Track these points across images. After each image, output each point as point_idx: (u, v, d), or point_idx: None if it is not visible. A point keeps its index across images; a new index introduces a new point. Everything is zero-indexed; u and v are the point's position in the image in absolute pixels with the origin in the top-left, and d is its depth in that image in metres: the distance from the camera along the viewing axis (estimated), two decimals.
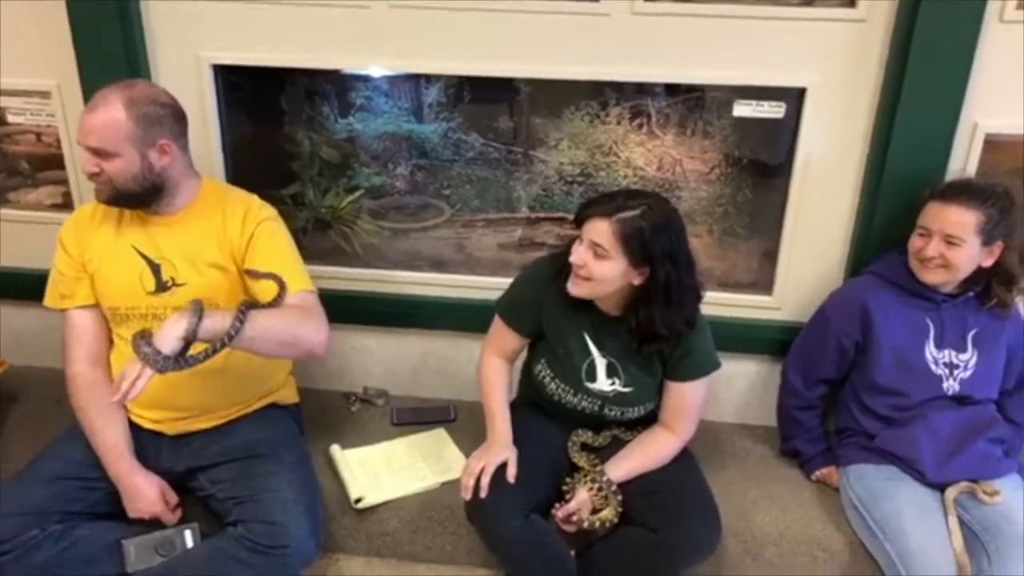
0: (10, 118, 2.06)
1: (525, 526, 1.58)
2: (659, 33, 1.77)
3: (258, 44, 1.89)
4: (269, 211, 1.74)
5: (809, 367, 1.84)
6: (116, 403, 1.38)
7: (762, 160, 1.96)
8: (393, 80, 2.04)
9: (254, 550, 1.53)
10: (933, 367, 1.70)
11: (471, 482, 1.60)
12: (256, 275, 1.62)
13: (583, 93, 1.97)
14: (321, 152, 2.14)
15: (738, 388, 2.08)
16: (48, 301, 1.72)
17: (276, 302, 1.57)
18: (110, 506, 1.67)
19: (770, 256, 1.98)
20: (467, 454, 1.86)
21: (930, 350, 1.71)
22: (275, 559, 1.54)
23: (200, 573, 1.56)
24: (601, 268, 1.53)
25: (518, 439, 1.76)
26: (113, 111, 1.52)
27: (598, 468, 1.68)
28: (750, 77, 1.79)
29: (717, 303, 1.97)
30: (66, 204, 2.09)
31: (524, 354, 1.84)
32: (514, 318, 1.75)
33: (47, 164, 2.14)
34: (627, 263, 1.52)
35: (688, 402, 1.69)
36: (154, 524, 1.68)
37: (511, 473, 1.61)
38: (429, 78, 2.01)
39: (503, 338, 1.77)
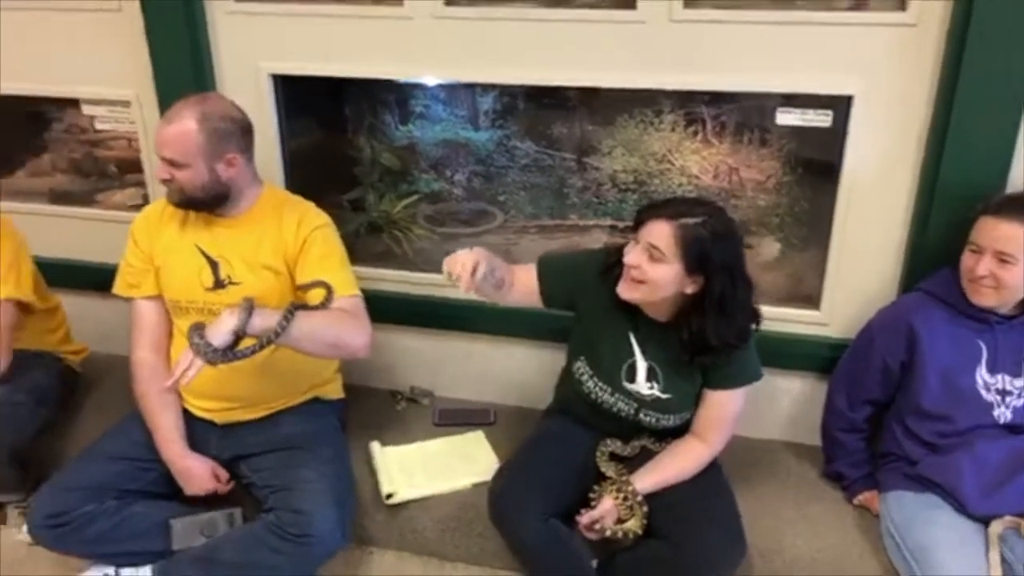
0: (98, 125, 2.25)
1: (544, 529, 1.58)
2: (698, 40, 1.74)
3: (313, 55, 1.98)
4: (323, 218, 1.82)
5: (854, 387, 1.76)
6: (169, 389, 1.49)
7: (819, 170, 1.89)
8: (450, 89, 2.10)
9: (282, 537, 1.61)
10: (984, 393, 1.60)
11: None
12: (305, 287, 1.70)
13: (636, 100, 1.97)
14: (382, 158, 2.23)
15: (783, 405, 2.02)
16: (117, 289, 1.86)
17: (323, 305, 1.66)
18: (163, 487, 1.80)
19: (819, 269, 1.91)
20: (502, 458, 1.89)
21: (981, 375, 1.61)
22: (301, 547, 1.61)
23: (235, 555, 1.66)
24: (655, 272, 1.52)
25: (546, 443, 1.78)
26: (186, 125, 1.64)
27: (625, 478, 1.67)
28: (794, 84, 1.73)
29: (763, 316, 1.91)
30: (144, 205, 2.24)
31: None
32: (548, 276, 1.70)
33: (132, 168, 2.32)
34: (682, 269, 1.51)
35: (724, 412, 1.66)
36: (207, 505, 1.79)
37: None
38: (484, 87, 2.05)
39: (525, 275, 1.71)
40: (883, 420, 1.78)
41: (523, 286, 1.70)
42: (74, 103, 2.26)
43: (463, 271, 1.47)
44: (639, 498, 1.62)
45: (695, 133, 2.00)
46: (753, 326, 1.61)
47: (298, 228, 1.76)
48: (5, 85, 2.23)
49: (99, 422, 2.00)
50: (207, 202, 1.73)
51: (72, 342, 2.16)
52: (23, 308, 1.90)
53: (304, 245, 1.75)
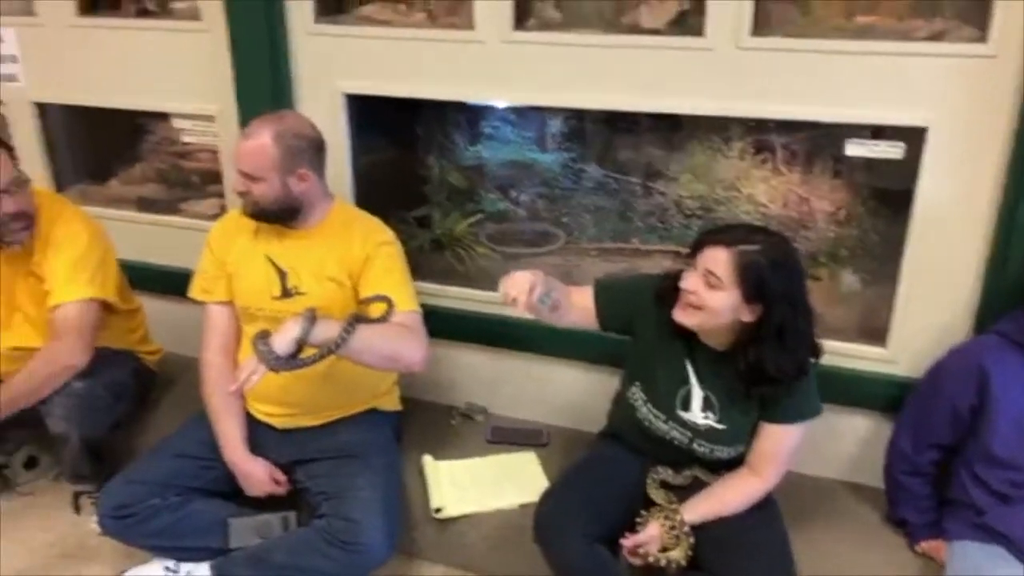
0: (184, 138, 2.38)
1: (588, 552, 1.57)
2: (766, 67, 1.72)
3: (386, 75, 2.04)
4: (388, 235, 1.87)
5: (919, 429, 1.69)
6: (234, 393, 1.56)
7: (891, 202, 1.84)
8: (519, 111, 2.13)
9: (332, 543, 1.65)
10: None
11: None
12: (367, 301, 1.75)
13: (705, 126, 1.96)
14: (449, 177, 2.27)
15: (845, 443, 1.95)
16: (192, 292, 1.95)
17: (383, 319, 1.70)
18: (224, 486, 1.86)
19: (888, 305, 1.84)
20: (552, 480, 1.88)
21: None
22: (349, 555, 1.64)
23: (286, 557, 1.70)
24: (712, 298, 1.50)
25: (595, 466, 1.77)
26: (262, 141, 1.71)
27: (674, 506, 1.64)
28: (865, 115, 1.69)
29: (827, 351, 1.85)
30: (222, 214, 2.35)
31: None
32: (604, 298, 1.69)
33: (213, 179, 2.44)
34: (740, 297, 1.49)
35: (780, 447, 1.62)
36: (264, 507, 1.85)
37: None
38: (552, 110, 2.07)
39: (584, 298, 1.70)
40: (951, 465, 1.70)
41: (580, 309, 1.70)
42: (164, 117, 2.40)
43: (520, 292, 1.47)
44: (686, 528, 1.59)
45: (764, 161, 1.97)
46: (813, 359, 1.57)
47: (363, 243, 1.81)
48: (105, 99, 2.38)
49: (170, 420, 2.10)
50: (279, 214, 1.80)
51: (150, 342, 2.27)
52: (107, 308, 2.00)
53: (368, 260, 1.80)
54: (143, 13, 2.33)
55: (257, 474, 1.84)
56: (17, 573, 1.95)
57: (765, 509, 1.64)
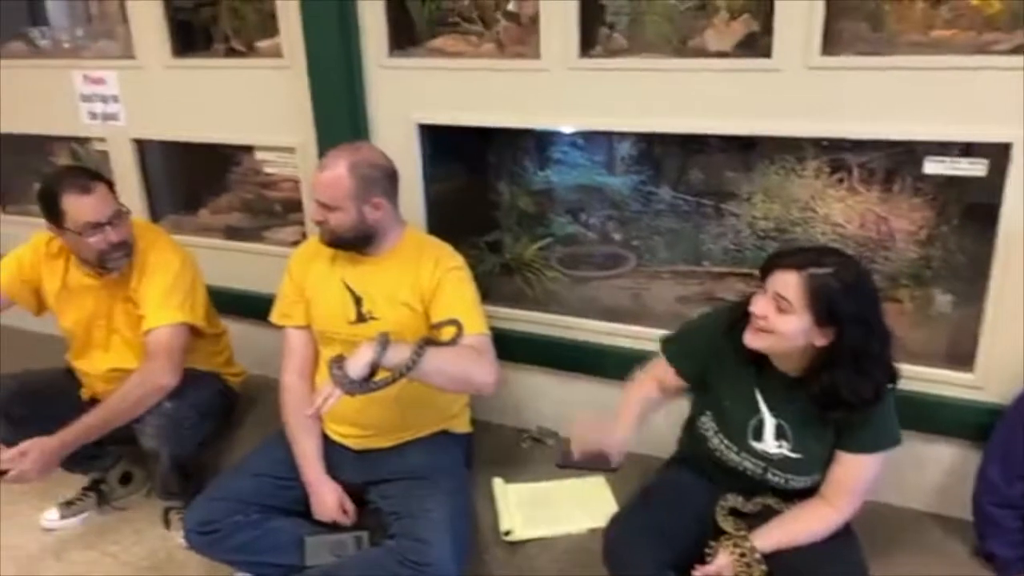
0: (267, 169, 2.49)
1: None
2: (838, 86, 1.69)
3: (457, 105, 2.10)
4: (457, 260, 1.91)
5: (1009, 459, 1.61)
6: (311, 415, 1.61)
7: (976, 220, 1.77)
8: (587, 135, 2.15)
9: (403, 563, 1.68)
10: None
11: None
12: (438, 326, 1.78)
13: (777, 146, 1.93)
14: (519, 202, 2.31)
15: (931, 473, 1.86)
16: (272, 317, 2.03)
17: (454, 342, 1.73)
18: (301, 505, 1.92)
19: (975, 328, 1.76)
20: (622, 505, 1.87)
21: None
22: (419, 575, 1.67)
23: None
24: (783, 323, 1.48)
25: (665, 492, 1.74)
26: (339, 172, 1.78)
27: (743, 534, 1.60)
28: (944, 132, 1.64)
29: (910, 376, 1.78)
30: (302, 241, 2.45)
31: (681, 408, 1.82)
32: (678, 356, 1.72)
33: (293, 208, 2.55)
34: (811, 321, 1.46)
35: (857, 477, 1.56)
36: (337, 526, 1.90)
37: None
38: (620, 134, 2.08)
39: (661, 372, 1.75)
40: None
41: (666, 389, 1.75)
42: (249, 150, 2.53)
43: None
44: (757, 555, 1.54)
45: (840, 180, 1.92)
46: (890, 384, 1.52)
47: (434, 268, 1.85)
48: (197, 134, 2.53)
49: (253, 439, 2.18)
50: (355, 242, 1.86)
51: (234, 365, 2.37)
52: (195, 332, 2.11)
53: (439, 285, 1.84)
54: (230, 52, 2.46)
55: (329, 500, 1.89)
56: None
57: (844, 539, 1.58)
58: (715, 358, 1.67)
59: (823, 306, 1.44)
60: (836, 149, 1.89)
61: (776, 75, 1.73)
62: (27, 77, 2.78)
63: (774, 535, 1.57)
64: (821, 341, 1.47)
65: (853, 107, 1.70)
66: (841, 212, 1.95)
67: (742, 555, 1.55)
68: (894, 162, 1.85)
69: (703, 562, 1.59)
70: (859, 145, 1.83)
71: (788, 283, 1.46)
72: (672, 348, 1.74)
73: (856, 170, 1.92)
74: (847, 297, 1.44)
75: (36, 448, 1.81)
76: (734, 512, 1.69)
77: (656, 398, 1.76)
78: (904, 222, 1.90)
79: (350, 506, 1.91)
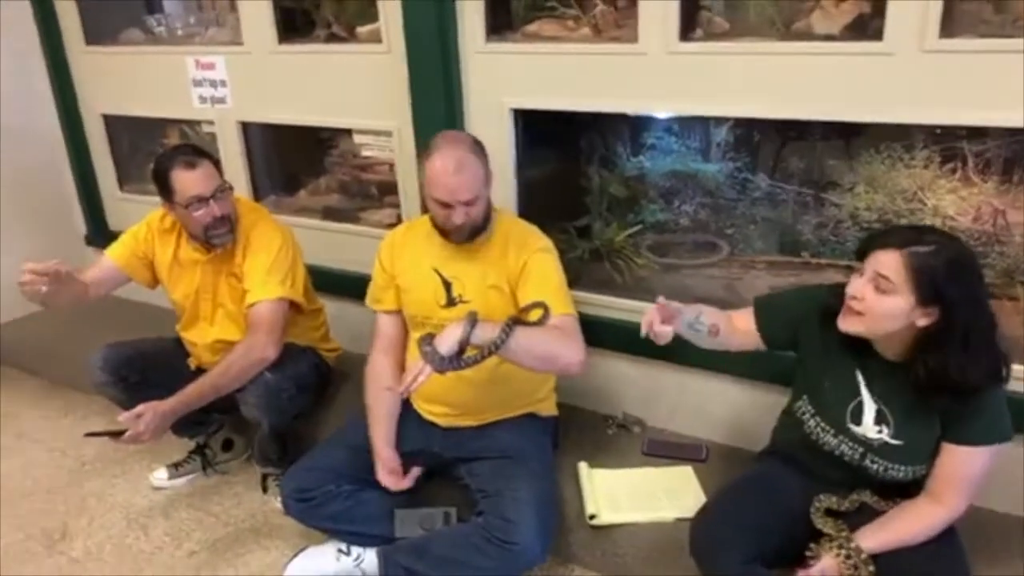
0: (364, 152, 2.56)
1: (744, 571, 1.52)
2: (955, 71, 1.61)
3: (551, 90, 2.10)
4: (544, 242, 1.92)
5: None
6: (402, 393, 1.65)
7: None
8: (683, 121, 2.12)
9: (489, 540, 1.71)
10: None
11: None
12: (525, 309, 1.80)
13: (883, 133, 1.85)
14: (611, 188, 2.29)
15: None
16: (367, 301, 2.09)
17: (541, 323, 1.75)
18: None
19: None
20: (710, 497, 1.85)
21: None
22: (505, 553, 1.69)
23: (445, 550, 1.78)
24: (881, 303, 1.44)
25: (756, 486, 1.71)
26: (473, 163, 1.79)
27: (846, 534, 1.55)
28: None
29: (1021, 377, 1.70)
30: (397, 223, 2.51)
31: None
32: (766, 314, 1.69)
33: (389, 190, 2.61)
34: (914, 301, 1.41)
35: (965, 471, 1.49)
36: (431, 502, 1.95)
37: None
38: (717, 119, 2.04)
39: (745, 320, 1.70)
40: None
41: (743, 332, 1.69)
42: (347, 133, 2.60)
43: (644, 325, 1.56)
44: (863, 556, 1.49)
45: (953, 170, 1.83)
46: (1003, 372, 1.45)
47: (521, 250, 1.87)
48: (298, 117, 2.62)
49: (346, 413, 2.25)
50: (483, 227, 1.87)
51: (330, 341, 2.46)
52: (294, 308, 2.19)
53: (525, 266, 1.85)
54: (332, 38, 2.53)
55: (383, 465, 1.92)
56: (213, 541, 2.18)
57: (947, 543, 1.52)
58: (805, 334, 1.63)
59: (927, 284, 1.39)
60: (949, 137, 1.80)
61: (887, 59, 1.66)
62: (144, 63, 2.94)
63: (879, 535, 1.52)
64: (923, 321, 1.42)
65: (972, 93, 1.61)
66: (953, 204, 1.86)
67: (847, 557, 1.50)
68: (1013, 151, 1.75)
69: (793, 559, 1.56)
70: (976, 133, 1.74)
71: (889, 262, 1.42)
72: (764, 308, 1.70)
73: (971, 159, 1.82)
74: (951, 275, 1.39)
75: (151, 411, 1.91)
76: (830, 512, 1.64)
77: (720, 321, 1.62)
78: (1022, 215, 1.80)
79: (404, 481, 1.93)
